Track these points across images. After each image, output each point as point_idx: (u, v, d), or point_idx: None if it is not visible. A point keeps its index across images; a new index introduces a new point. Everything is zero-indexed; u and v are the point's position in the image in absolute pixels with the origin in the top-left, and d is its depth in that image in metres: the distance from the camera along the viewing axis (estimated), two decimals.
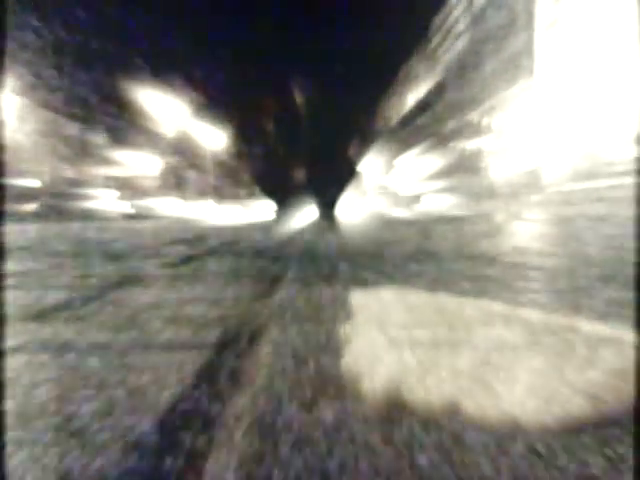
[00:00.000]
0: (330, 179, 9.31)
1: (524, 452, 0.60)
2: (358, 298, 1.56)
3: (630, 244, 2.66)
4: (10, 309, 1.52)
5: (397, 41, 8.14)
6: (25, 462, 0.61)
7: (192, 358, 0.99)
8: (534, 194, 10.72)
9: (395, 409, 0.73)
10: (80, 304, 1.58)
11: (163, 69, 9.42)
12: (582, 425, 0.67)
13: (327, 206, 9.52)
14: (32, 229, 7.56)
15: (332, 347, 1.05)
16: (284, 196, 9.78)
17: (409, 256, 2.73)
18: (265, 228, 6.73)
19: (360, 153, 10.96)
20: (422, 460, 0.59)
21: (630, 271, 1.86)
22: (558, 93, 10.14)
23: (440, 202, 16.65)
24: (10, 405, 0.77)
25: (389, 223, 6.83)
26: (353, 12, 7.21)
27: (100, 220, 11.89)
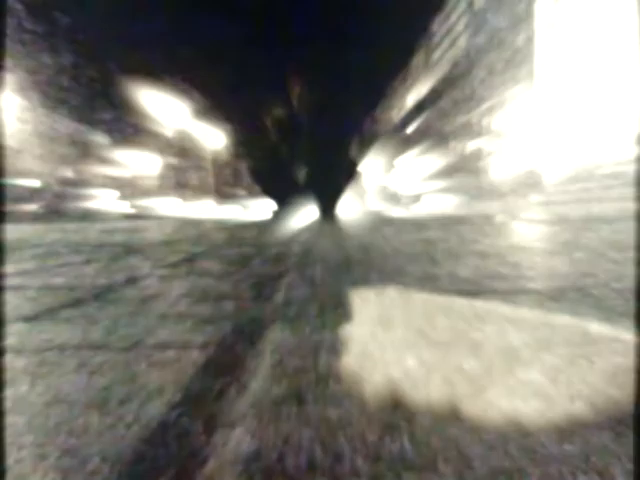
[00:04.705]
0: (330, 179, 9.31)
1: (525, 452, 0.60)
2: (358, 298, 1.56)
3: (630, 243, 2.66)
4: (10, 309, 1.52)
5: (397, 41, 8.14)
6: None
7: (192, 358, 0.99)
8: (534, 194, 10.73)
9: (396, 410, 0.73)
10: (80, 304, 1.58)
11: (164, 70, 9.43)
12: (582, 425, 0.67)
13: (327, 206, 9.52)
14: (32, 229, 7.56)
15: (333, 347, 1.05)
16: (284, 196, 9.79)
17: (409, 256, 2.73)
18: (265, 228, 6.73)
19: (360, 153, 10.96)
20: (419, 460, 0.59)
21: (631, 271, 1.86)
22: (558, 93, 10.14)
23: (440, 202, 16.66)
24: (10, 405, 0.77)
25: (389, 223, 6.83)
26: (353, 12, 7.22)
27: (100, 220, 11.88)
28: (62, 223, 9.93)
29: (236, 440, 0.65)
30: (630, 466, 0.57)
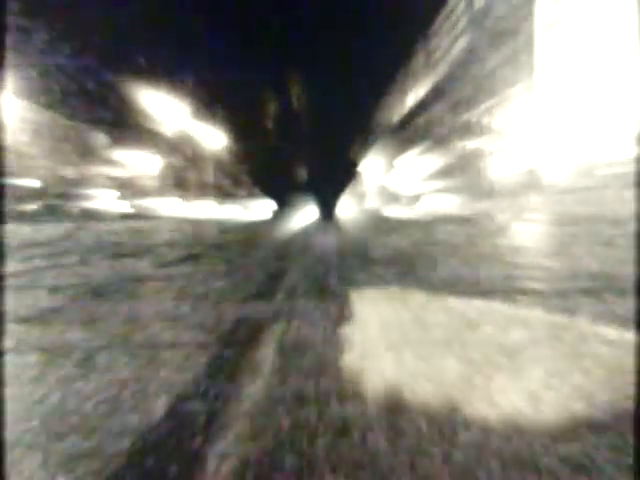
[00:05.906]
0: (330, 179, 9.31)
1: (524, 451, 0.60)
2: (358, 297, 1.56)
3: (630, 244, 2.66)
4: (10, 309, 1.52)
5: (397, 41, 8.14)
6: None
7: (193, 357, 0.99)
8: (534, 194, 10.71)
9: (398, 408, 0.73)
10: (80, 304, 1.58)
11: (163, 69, 9.42)
12: (583, 424, 0.67)
13: (327, 206, 9.53)
14: (32, 229, 7.55)
15: (334, 345, 1.05)
16: (284, 196, 9.79)
17: (409, 256, 2.73)
18: (265, 228, 6.73)
19: (360, 153, 10.96)
20: (420, 461, 0.59)
21: (630, 271, 1.86)
22: (558, 93, 10.14)
23: (440, 202, 16.64)
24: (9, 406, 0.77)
25: (389, 223, 6.83)
26: (353, 12, 7.21)
27: (100, 220, 11.88)
28: (62, 223, 9.93)
29: (237, 440, 0.65)
30: (630, 466, 0.57)
